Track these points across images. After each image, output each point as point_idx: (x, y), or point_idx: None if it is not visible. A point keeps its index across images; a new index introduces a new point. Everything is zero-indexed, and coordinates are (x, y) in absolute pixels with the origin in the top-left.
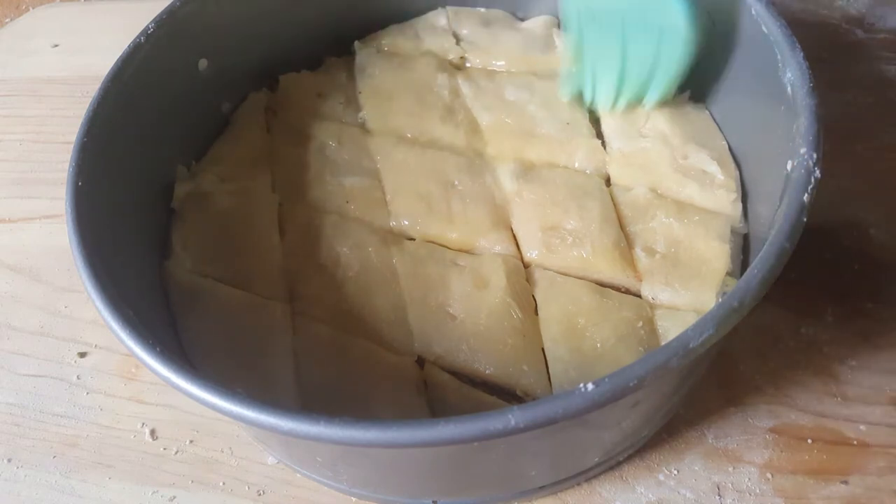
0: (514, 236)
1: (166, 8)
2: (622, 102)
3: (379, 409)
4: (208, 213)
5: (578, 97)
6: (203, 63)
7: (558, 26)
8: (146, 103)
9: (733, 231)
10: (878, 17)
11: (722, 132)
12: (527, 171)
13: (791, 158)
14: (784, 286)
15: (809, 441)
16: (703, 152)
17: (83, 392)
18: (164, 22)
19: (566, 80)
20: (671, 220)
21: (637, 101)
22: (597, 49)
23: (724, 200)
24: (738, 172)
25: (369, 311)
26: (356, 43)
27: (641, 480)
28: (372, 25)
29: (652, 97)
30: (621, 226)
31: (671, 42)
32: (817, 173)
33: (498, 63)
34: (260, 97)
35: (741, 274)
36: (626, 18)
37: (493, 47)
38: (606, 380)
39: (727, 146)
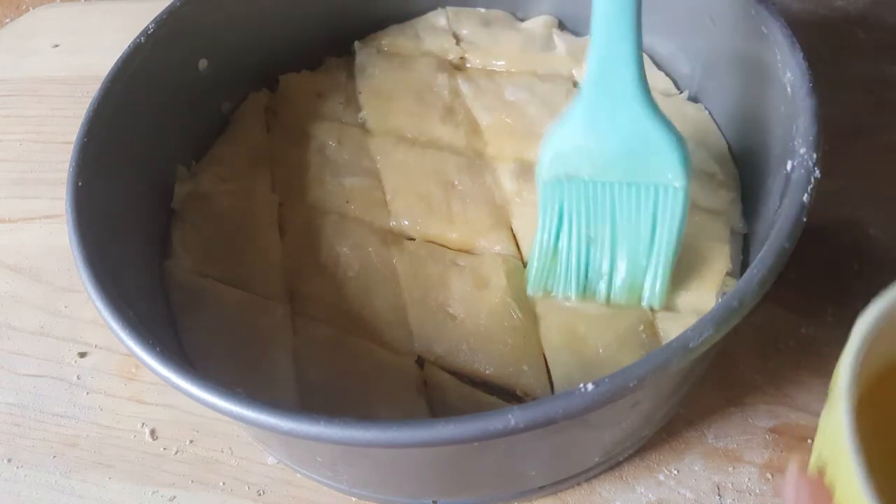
0: (515, 236)
1: (166, 8)
2: (619, 296)
3: (379, 409)
4: (208, 213)
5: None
6: (203, 63)
7: (558, 26)
8: (146, 103)
9: (733, 231)
10: (878, 17)
11: (721, 132)
12: (527, 171)
13: (791, 158)
14: (784, 286)
15: (809, 441)
16: (703, 152)
17: (83, 392)
18: (164, 22)
19: (534, 277)
20: None
21: (634, 297)
22: (577, 231)
23: (724, 200)
24: (737, 172)
25: (369, 311)
26: (356, 43)
27: (641, 480)
28: (372, 25)
29: (655, 286)
30: None
31: (667, 211)
32: (817, 173)
33: (498, 63)
34: (260, 97)
35: (741, 274)
36: (614, 189)
37: (493, 47)
38: (606, 380)
39: (727, 146)
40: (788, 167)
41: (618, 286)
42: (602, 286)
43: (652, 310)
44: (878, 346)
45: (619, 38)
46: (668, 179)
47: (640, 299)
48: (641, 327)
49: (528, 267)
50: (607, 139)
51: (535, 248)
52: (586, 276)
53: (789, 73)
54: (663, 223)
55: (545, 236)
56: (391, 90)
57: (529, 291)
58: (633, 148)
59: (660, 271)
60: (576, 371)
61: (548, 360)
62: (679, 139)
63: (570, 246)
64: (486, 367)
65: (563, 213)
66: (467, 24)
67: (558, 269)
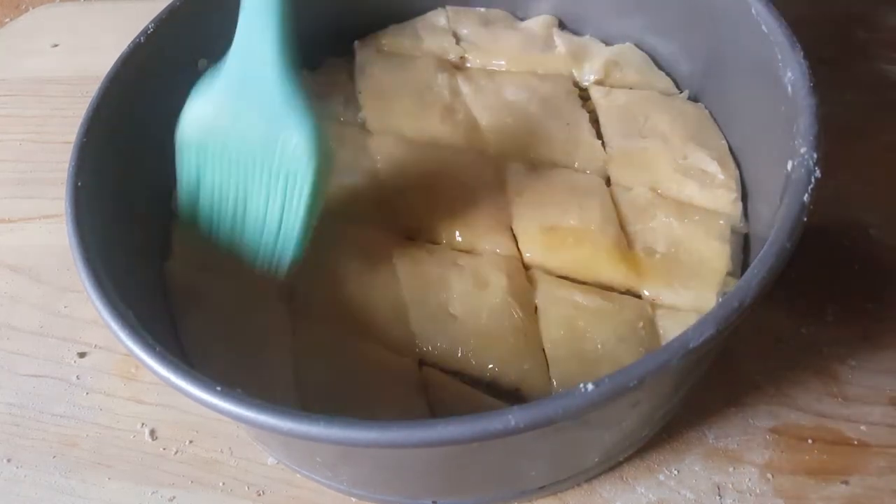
0: (514, 236)
1: (166, 8)
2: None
3: (379, 409)
4: None
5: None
6: (203, 63)
7: (558, 26)
8: (146, 103)
9: (733, 231)
10: (879, 17)
11: (722, 132)
12: (527, 171)
13: (791, 158)
14: (784, 286)
15: (810, 441)
16: (703, 152)
17: (83, 392)
18: (164, 22)
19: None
20: (671, 219)
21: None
22: (211, 196)
23: (724, 200)
24: (738, 172)
25: (369, 311)
26: (356, 43)
27: (641, 481)
28: (372, 25)
29: (278, 262)
30: (621, 226)
31: (295, 196)
32: (817, 173)
33: (498, 63)
34: None
35: (741, 274)
36: (246, 157)
37: (493, 47)
38: (606, 380)
39: (727, 146)
40: (789, 167)
41: (244, 252)
42: (233, 249)
43: (652, 307)
44: None
45: (262, 23)
46: (297, 167)
47: (267, 267)
48: (641, 324)
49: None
50: (242, 119)
51: (178, 206)
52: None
53: (790, 72)
54: (290, 206)
55: (183, 196)
56: (391, 90)
57: (175, 246)
58: (267, 131)
59: (284, 250)
60: (574, 366)
61: (547, 354)
62: (311, 130)
63: (206, 208)
64: (487, 367)
65: (200, 176)
66: (467, 23)
67: (199, 228)
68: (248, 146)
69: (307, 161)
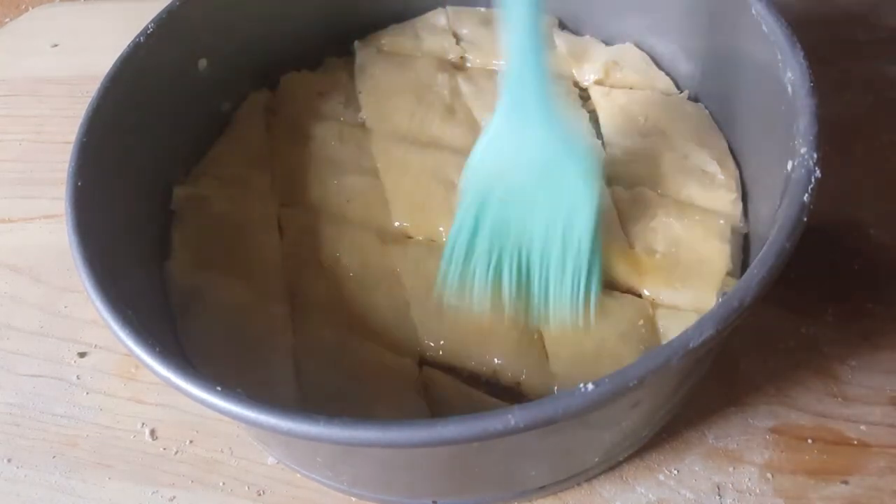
0: None
1: (166, 8)
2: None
3: (379, 409)
4: (208, 213)
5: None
6: (203, 63)
7: (558, 26)
8: (146, 103)
9: (733, 231)
10: (879, 17)
11: (722, 132)
12: None
13: (791, 158)
14: (784, 286)
15: (810, 441)
16: (703, 152)
17: (83, 392)
18: (164, 22)
19: (444, 280)
20: (671, 219)
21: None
22: (490, 244)
23: (725, 200)
24: (738, 172)
25: (370, 310)
26: (356, 43)
27: (641, 480)
28: (372, 25)
29: (590, 286)
30: (621, 226)
31: (577, 226)
32: (817, 173)
33: (498, 63)
34: (260, 97)
35: (741, 274)
36: (528, 206)
37: (493, 47)
38: (606, 380)
39: (727, 146)
40: (789, 167)
41: (533, 302)
42: (513, 300)
43: (652, 306)
44: None
45: (529, 69)
46: (577, 199)
47: (557, 316)
48: (641, 322)
49: (441, 269)
50: (519, 161)
51: (447, 250)
52: (499, 288)
53: (790, 72)
54: (572, 240)
55: (459, 240)
56: (391, 90)
57: (437, 292)
58: (543, 169)
59: (579, 284)
60: (575, 364)
61: (548, 352)
62: (584, 159)
63: (483, 256)
64: (488, 365)
65: (479, 223)
66: (467, 23)
67: (470, 277)
68: (528, 185)
69: (588, 195)
